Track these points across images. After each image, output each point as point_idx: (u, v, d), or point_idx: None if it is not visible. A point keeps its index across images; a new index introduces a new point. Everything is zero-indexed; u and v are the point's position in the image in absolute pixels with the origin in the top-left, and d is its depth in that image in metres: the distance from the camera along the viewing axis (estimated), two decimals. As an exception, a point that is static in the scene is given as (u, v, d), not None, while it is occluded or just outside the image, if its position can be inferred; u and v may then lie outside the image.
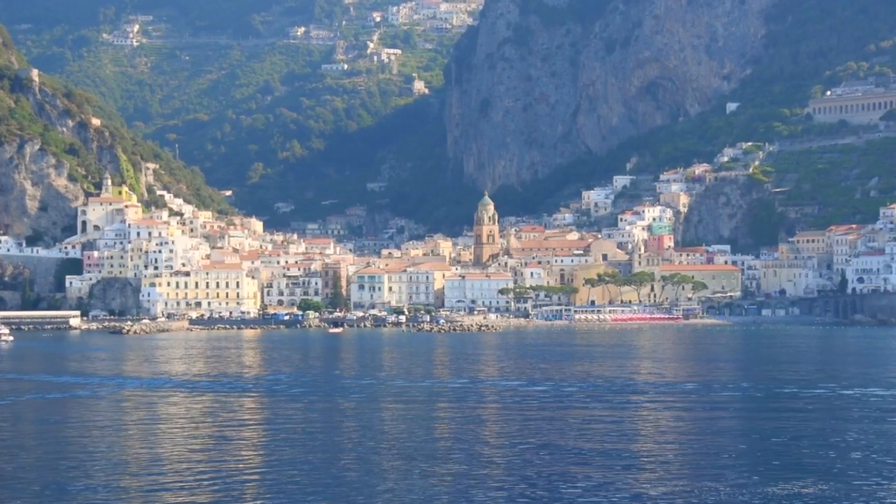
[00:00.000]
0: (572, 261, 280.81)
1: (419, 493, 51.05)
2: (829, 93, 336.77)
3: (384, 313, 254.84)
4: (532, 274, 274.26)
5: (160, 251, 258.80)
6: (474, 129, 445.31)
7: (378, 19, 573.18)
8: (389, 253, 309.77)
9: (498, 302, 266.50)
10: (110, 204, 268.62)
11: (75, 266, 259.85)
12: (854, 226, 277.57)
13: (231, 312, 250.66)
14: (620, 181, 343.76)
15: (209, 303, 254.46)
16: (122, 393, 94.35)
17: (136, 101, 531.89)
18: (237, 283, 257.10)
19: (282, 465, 57.82)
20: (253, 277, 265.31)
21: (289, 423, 73.72)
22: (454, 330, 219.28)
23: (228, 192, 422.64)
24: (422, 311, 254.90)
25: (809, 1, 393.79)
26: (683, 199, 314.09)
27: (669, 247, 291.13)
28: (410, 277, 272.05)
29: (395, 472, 56.05)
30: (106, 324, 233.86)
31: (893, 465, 57.98)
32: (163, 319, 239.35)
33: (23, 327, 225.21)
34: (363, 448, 63.34)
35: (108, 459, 60.19)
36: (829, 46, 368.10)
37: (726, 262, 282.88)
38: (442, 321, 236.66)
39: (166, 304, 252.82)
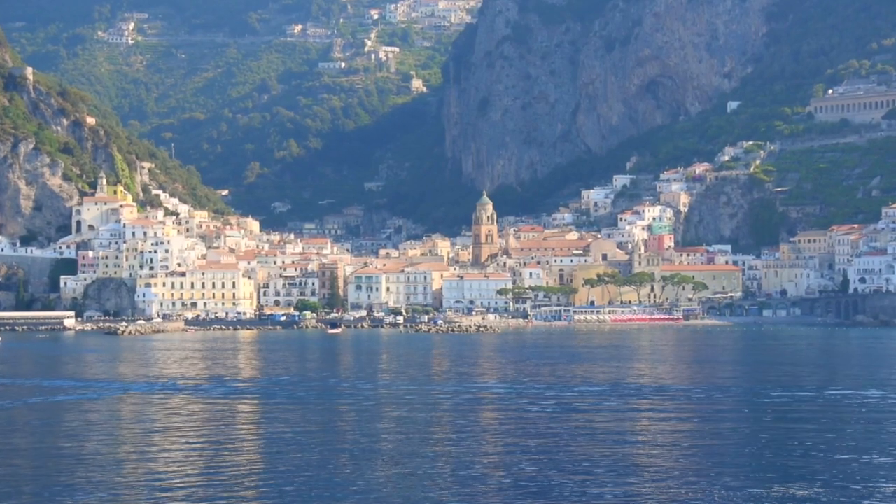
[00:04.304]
0: (572, 261, 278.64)
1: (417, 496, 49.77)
2: (830, 91, 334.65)
3: (382, 314, 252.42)
4: (531, 274, 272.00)
5: (156, 251, 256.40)
6: (473, 129, 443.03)
7: (376, 17, 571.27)
8: (387, 253, 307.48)
9: (496, 302, 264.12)
10: (105, 203, 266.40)
11: (70, 266, 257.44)
12: (856, 226, 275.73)
13: (227, 313, 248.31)
14: (620, 181, 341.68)
15: (205, 303, 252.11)
16: (114, 397, 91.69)
17: (132, 100, 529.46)
18: (233, 283, 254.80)
19: (278, 471, 55.46)
20: (249, 278, 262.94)
21: (285, 428, 71.25)
22: (452, 331, 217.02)
23: (225, 192, 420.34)
24: (420, 312, 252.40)
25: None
26: (684, 199, 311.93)
27: (670, 247, 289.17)
28: (408, 278, 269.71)
29: (393, 475, 54.22)
30: (101, 325, 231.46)
31: (892, 466, 57.18)
32: (158, 320, 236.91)
33: (16, 328, 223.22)
34: (361, 452, 60.99)
35: (86, 472, 57.57)
36: (831, 45, 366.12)
37: (727, 263, 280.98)
38: (440, 322, 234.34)
39: (162, 304, 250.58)
